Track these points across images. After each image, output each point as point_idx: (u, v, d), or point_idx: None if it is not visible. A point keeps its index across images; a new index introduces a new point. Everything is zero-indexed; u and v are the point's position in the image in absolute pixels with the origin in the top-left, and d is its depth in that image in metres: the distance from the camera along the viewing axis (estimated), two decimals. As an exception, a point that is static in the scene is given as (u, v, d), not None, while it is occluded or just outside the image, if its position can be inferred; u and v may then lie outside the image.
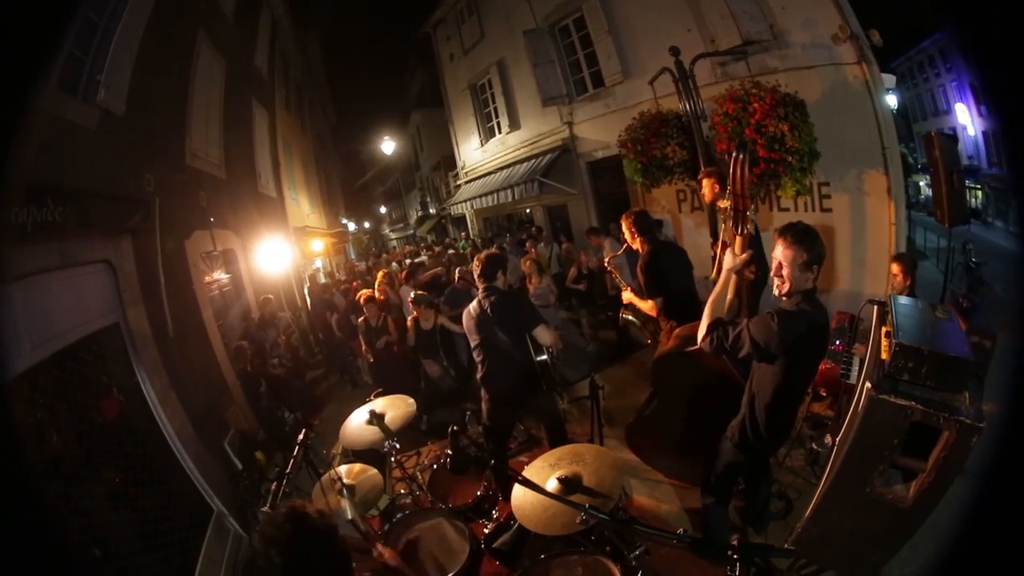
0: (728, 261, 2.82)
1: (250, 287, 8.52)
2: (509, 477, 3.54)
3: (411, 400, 3.70)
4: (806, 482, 3.80)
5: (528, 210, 14.87)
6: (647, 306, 4.22)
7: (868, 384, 2.01)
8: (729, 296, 2.87)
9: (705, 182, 4.65)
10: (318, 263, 16.13)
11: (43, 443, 3.30)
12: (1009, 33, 1.15)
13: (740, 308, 3.04)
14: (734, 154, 2.72)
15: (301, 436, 3.68)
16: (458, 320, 6.44)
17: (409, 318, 6.21)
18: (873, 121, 5.71)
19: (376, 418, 3.44)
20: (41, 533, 1.47)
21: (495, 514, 3.33)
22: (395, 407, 3.62)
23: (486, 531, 3.13)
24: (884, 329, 2.28)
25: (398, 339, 6.62)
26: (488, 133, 14.52)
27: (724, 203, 3.01)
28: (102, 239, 4.45)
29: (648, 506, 4.06)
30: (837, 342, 4.35)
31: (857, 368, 4.07)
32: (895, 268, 4.28)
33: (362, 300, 6.86)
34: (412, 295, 6.23)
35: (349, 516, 2.78)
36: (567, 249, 9.79)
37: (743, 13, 6.62)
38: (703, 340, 2.75)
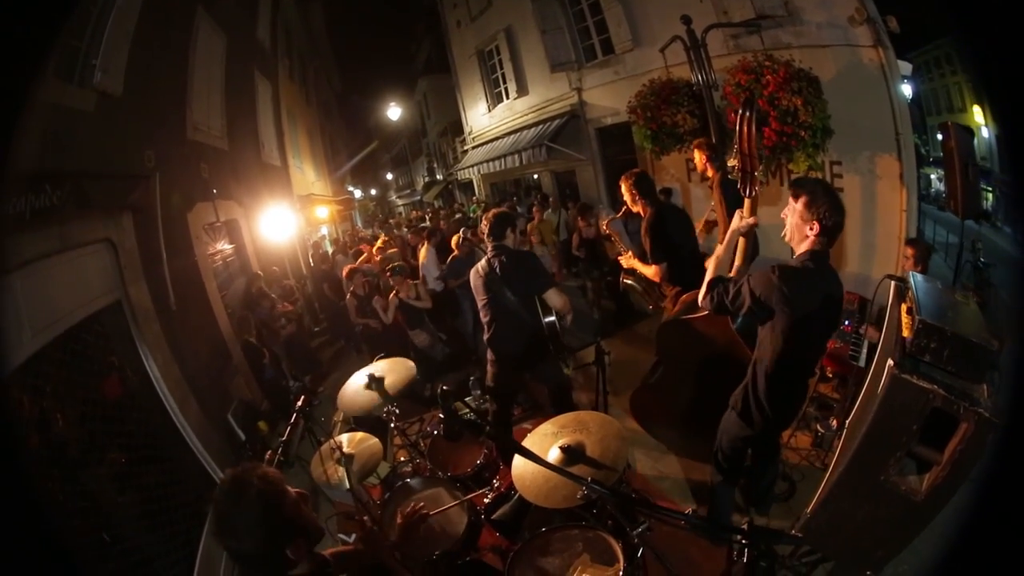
0: (735, 222, 2.72)
1: (254, 256, 8.53)
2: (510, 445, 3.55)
3: (411, 364, 3.60)
4: (810, 465, 3.75)
5: (536, 176, 14.76)
6: (650, 271, 4.10)
7: (890, 362, 1.88)
8: (737, 262, 2.78)
9: (696, 153, 4.46)
10: (323, 230, 16.11)
11: (48, 430, 3.33)
12: (1012, 41, 1.09)
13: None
14: (740, 111, 2.59)
15: (300, 403, 3.69)
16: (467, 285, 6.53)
17: (391, 295, 6.17)
18: (887, 106, 5.55)
19: (375, 382, 3.33)
20: (48, 523, 1.49)
21: (496, 483, 3.25)
22: (395, 371, 3.51)
23: (486, 501, 3.06)
24: (904, 306, 2.18)
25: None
26: (496, 99, 14.35)
27: (732, 162, 2.84)
28: (102, 218, 4.42)
29: (651, 478, 4.03)
30: (847, 322, 4.24)
31: (866, 351, 3.97)
32: (909, 252, 4.18)
33: (344, 274, 6.83)
34: (388, 268, 6.20)
35: (347, 486, 2.76)
36: (573, 215, 9.76)
37: (757, -14, 6.43)
38: (704, 298, 2.64)
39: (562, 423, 2.57)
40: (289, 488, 1.52)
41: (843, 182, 6.07)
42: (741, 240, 2.76)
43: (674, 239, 4.01)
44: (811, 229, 2.35)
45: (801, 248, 2.44)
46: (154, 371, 4.62)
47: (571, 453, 2.27)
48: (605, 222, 4.92)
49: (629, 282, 4.57)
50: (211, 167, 7.14)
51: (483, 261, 3.78)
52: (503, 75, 13.52)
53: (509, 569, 2.33)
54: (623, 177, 4.17)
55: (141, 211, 4.98)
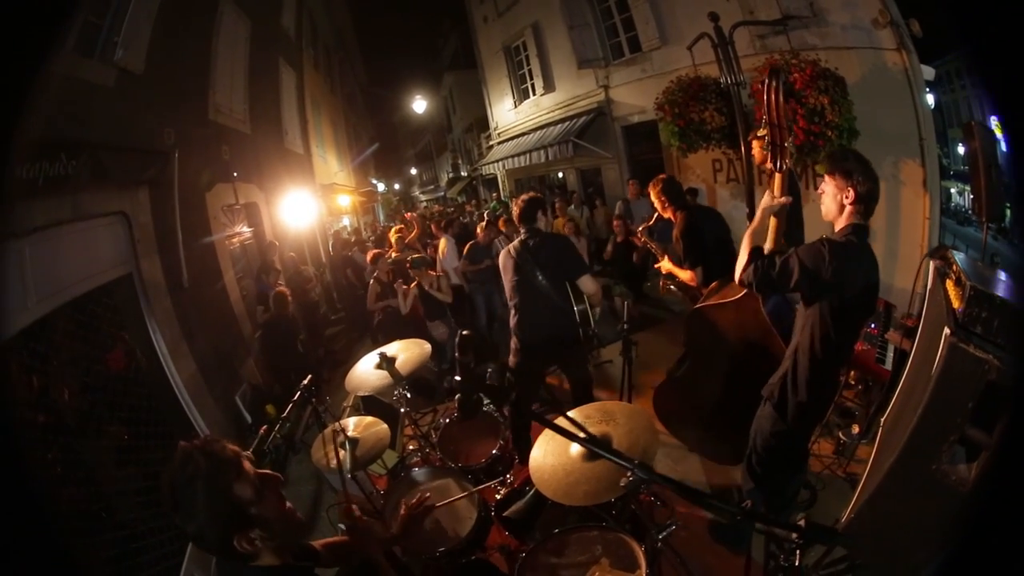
0: (765, 200, 2.60)
1: (273, 241, 8.54)
2: (527, 438, 3.40)
3: (427, 345, 3.42)
4: (832, 473, 3.61)
5: (560, 174, 14.67)
6: (687, 276, 3.97)
7: (947, 330, 1.76)
8: (768, 244, 2.63)
9: (756, 143, 4.38)
10: (345, 221, 16.20)
11: (48, 396, 3.33)
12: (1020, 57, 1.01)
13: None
14: (766, 81, 2.52)
15: (306, 382, 3.60)
16: (481, 276, 6.51)
17: (412, 284, 6.06)
18: (911, 110, 5.45)
19: (386, 361, 3.16)
20: (43, 490, 1.45)
21: (509, 478, 3.06)
22: (408, 350, 3.33)
23: (498, 496, 2.88)
24: (950, 280, 2.09)
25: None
26: (522, 95, 14.30)
27: (761, 132, 2.72)
28: (118, 191, 4.48)
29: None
30: (872, 325, 4.15)
31: (892, 354, 3.89)
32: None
33: (369, 259, 6.80)
34: (409, 260, 6.14)
35: (347, 471, 2.63)
36: (598, 212, 9.66)
37: (782, -13, 6.37)
38: (744, 270, 2.48)
39: (586, 413, 2.35)
40: (248, 471, 1.35)
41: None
42: (773, 220, 2.63)
43: (707, 242, 3.90)
44: (847, 198, 2.32)
45: (841, 222, 2.39)
46: (161, 347, 4.65)
47: (596, 445, 2.11)
48: (640, 230, 4.77)
49: (670, 287, 4.42)
50: (232, 149, 7.21)
51: (516, 242, 3.68)
52: (530, 71, 13.44)
53: (519, 571, 2.16)
54: (651, 185, 4.10)
55: (158, 187, 5.03)
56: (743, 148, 4.36)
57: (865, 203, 2.31)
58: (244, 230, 7.91)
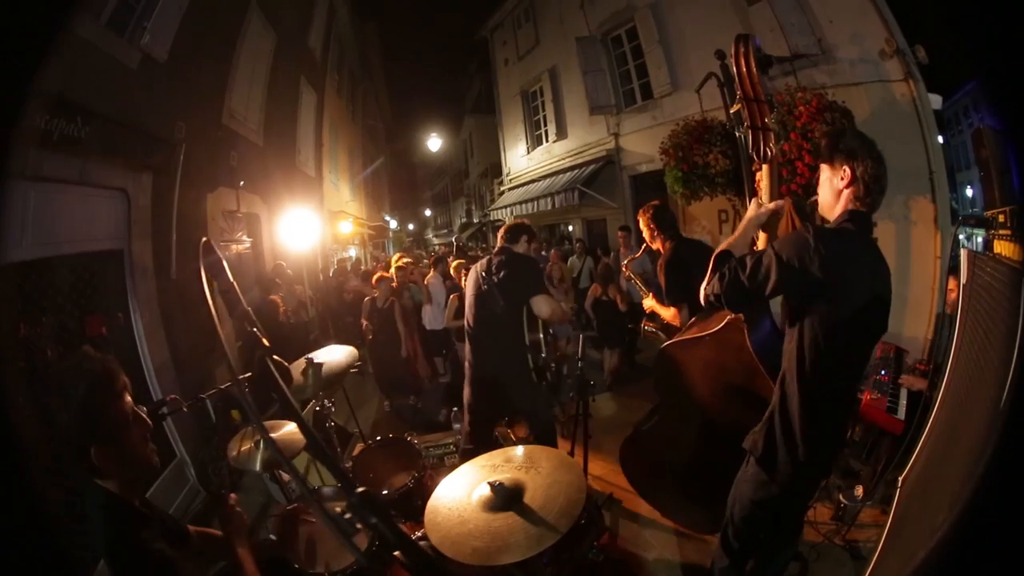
0: (752, 209, 2.12)
1: (271, 255, 8.53)
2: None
3: (354, 350, 3.38)
4: (828, 541, 3.11)
5: (571, 227, 14.68)
6: (669, 314, 3.51)
7: None
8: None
9: (760, 173, 4.21)
10: (352, 252, 16.24)
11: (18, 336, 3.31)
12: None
13: None
14: (733, 47, 2.12)
15: (241, 377, 3.43)
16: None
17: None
18: (920, 143, 5.42)
19: (312, 367, 3.00)
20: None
21: None
22: (334, 355, 3.24)
23: (418, 534, 2.66)
24: (998, 241, 2.08)
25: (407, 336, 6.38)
26: (535, 141, 14.56)
27: (734, 108, 2.26)
28: (124, 169, 4.57)
29: (634, 549, 3.33)
30: (883, 372, 3.80)
31: (905, 401, 3.46)
32: (952, 284, 3.87)
33: (374, 281, 6.71)
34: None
35: (257, 467, 2.50)
36: (603, 264, 9.48)
37: (791, 26, 6.50)
38: (709, 281, 1.94)
39: (506, 456, 2.10)
40: (129, 399, 1.41)
41: (878, 230, 5.73)
42: (761, 235, 2.16)
43: (695, 278, 3.51)
44: (841, 179, 1.86)
45: (836, 210, 1.92)
46: (139, 328, 4.60)
47: (503, 495, 1.75)
48: (625, 263, 4.43)
49: (650, 328, 3.98)
50: (241, 157, 7.30)
51: (485, 259, 3.57)
52: (544, 117, 13.75)
53: None
54: (640, 211, 3.74)
55: (162, 175, 5.10)
56: (748, 194, 4.12)
57: (866, 187, 1.82)
58: (243, 239, 7.90)
